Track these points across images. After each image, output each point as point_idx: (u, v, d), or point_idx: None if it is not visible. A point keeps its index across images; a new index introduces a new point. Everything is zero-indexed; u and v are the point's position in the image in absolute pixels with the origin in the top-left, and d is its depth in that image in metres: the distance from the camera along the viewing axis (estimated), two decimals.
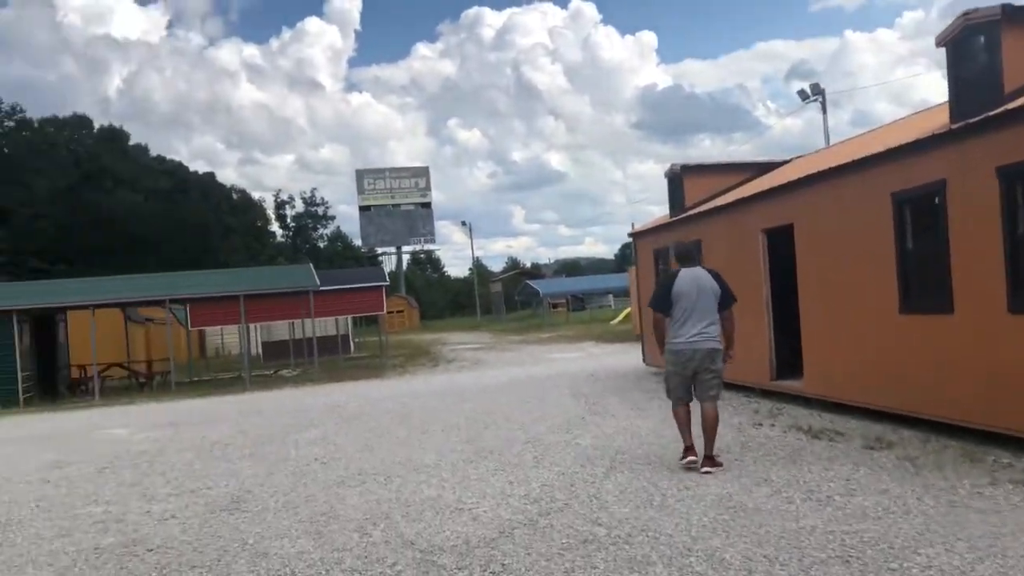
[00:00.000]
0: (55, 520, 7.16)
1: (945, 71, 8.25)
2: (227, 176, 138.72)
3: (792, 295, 10.81)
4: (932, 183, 7.87)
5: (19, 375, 19.95)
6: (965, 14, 7.72)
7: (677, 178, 15.09)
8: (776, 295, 11.30)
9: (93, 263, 47.45)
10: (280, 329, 30.59)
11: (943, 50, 8.22)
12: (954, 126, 7.64)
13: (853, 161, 9.12)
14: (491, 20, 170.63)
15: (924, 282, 8.29)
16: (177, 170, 73.54)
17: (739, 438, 8.62)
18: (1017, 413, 6.98)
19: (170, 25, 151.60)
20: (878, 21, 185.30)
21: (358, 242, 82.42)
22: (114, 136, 70.17)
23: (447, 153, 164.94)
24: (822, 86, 34.80)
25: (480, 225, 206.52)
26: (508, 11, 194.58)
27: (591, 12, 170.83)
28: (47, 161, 61.37)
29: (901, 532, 5.11)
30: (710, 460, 7.17)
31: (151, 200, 63.51)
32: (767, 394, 11.45)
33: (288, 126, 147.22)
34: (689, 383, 7.38)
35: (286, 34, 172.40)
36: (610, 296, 61.65)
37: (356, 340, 36.96)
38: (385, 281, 26.21)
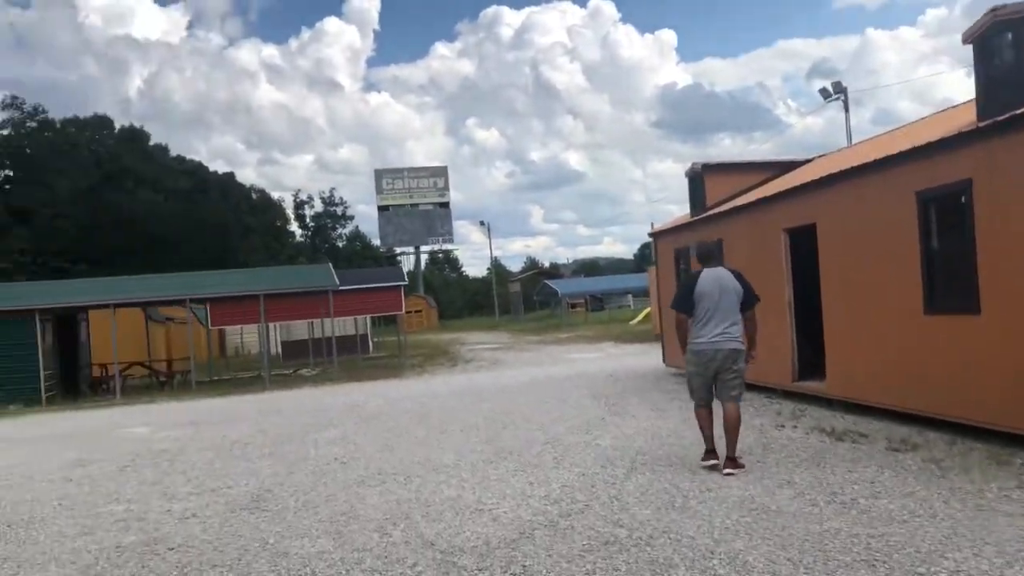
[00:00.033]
0: (77, 518, 7.19)
1: (970, 68, 8.15)
2: (247, 176, 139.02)
3: (814, 295, 10.71)
4: (958, 182, 7.76)
5: (42, 374, 20.14)
6: (993, 10, 7.61)
7: (698, 177, 15.00)
8: (797, 295, 11.21)
9: (114, 263, 47.83)
10: (299, 329, 30.71)
11: (968, 47, 8.11)
12: (981, 124, 7.53)
13: (877, 160, 9.02)
14: (510, 19, 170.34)
15: (950, 282, 8.19)
16: (197, 170, 74.00)
17: (761, 439, 8.54)
18: None
19: (190, 25, 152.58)
20: (901, 19, 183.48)
21: (377, 242, 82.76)
22: (135, 136, 70.69)
23: (465, 153, 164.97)
24: (844, 84, 34.53)
25: (498, 225, 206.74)
26: (527, 10, 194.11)
27: (610, 11, 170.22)
28: (69, 161, 61.88)
29: (928, 536, 5.03)
30: (732, 461, 7.11)
31: (171, 200, 63.90)
32: (789, 395, 11.36)
33: (307, 126, 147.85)
34: (711, 384, 7.32)
35: (305, 34, 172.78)
36: (629, 296, 61.42)
37: (375, 340, 37.04)
38: (404, 281, 26.25)
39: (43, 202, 57.80)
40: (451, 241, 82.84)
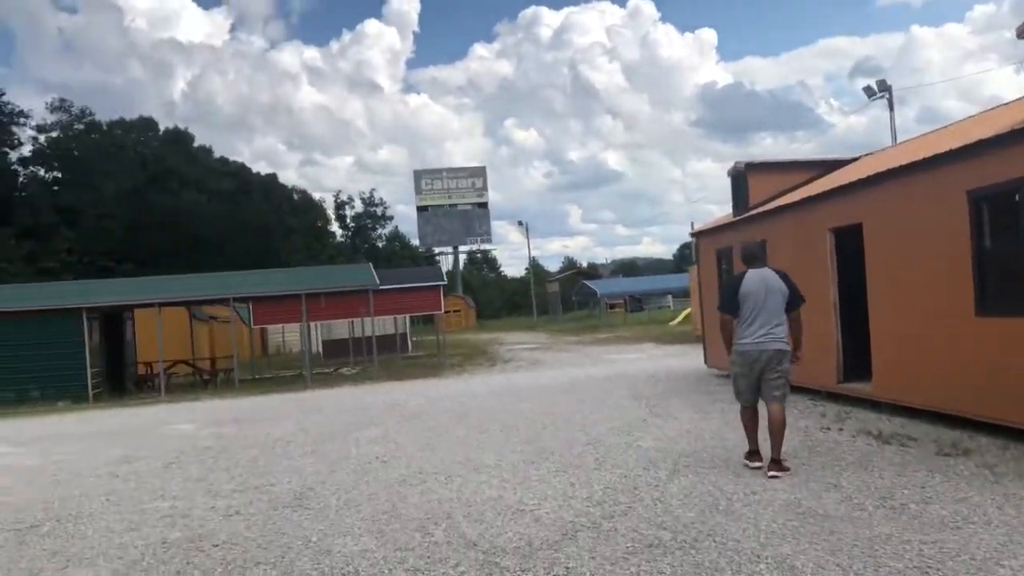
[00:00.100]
0: (124, 514, 7.29)
1: (1020, 65, 7.96)
2: (288, 177, 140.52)
3: (858, 296, 10.53)
4: (1012, 180, 7.56)
5: (88, 371, 20.50)
6: None
7: (741, 176, 14.83)
8: (842, 295, 11.03)
9: (159, 263, 48.58)
10: (340, 328, 30.94)
11: (1020, 43, 7.91)
12: None
13: (926, 158, 8.84)
14: (548, 20, 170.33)
15: (1002, 283, 7.99)
16: (240, 171, 75.00)
17: (806, 442, 8.41)
18: None
19: (233, 28, 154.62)
20: (947, 16, 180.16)
21: (416, 242, 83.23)
22: (179, 138, 71.80)
23: (504, 153, 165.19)
24: (888, 82, 33.97)
25: (536, 225, 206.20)
26: (566, 10, 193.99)
27: (650, 10, 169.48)
28: (115, 163, 63.02)
29: (983, 543, 4.91)
30: (777, 464, 7.01)
31: (215, 201, 64.80)
32: (833, 397, 11.18)
33: (347, 128, 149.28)
34: (756, 385, 7.23)
35: (346, 36, 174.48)
36: (669, 297, 61.01)
37: (413, 339, 37.19)
38: (443, 281, 26.29)
39: (90, 203, 58.91)
40: (489, 241, 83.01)
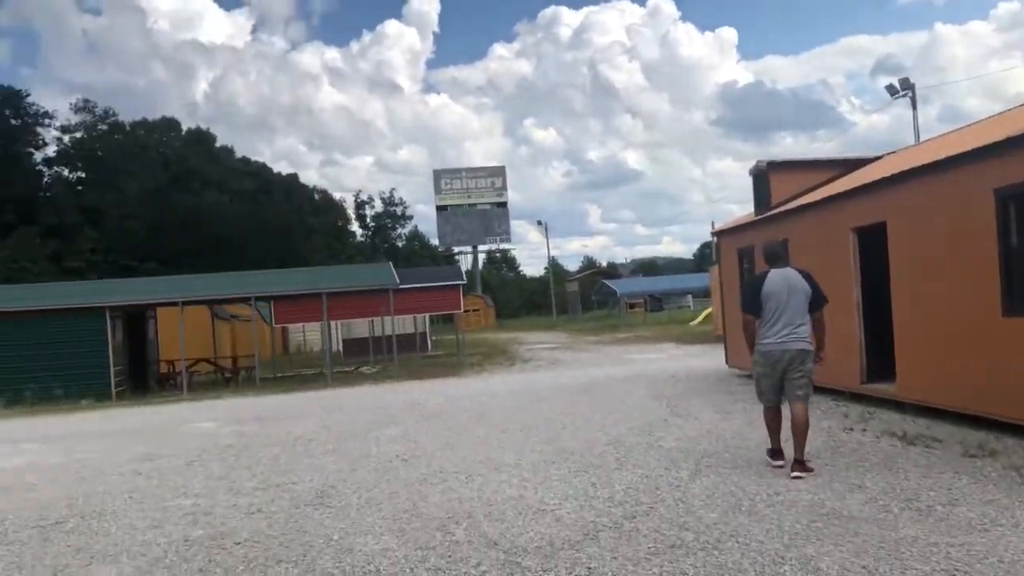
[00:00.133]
0: (147, 511, 7.33)
1: None
2: (309, 177, 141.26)
3: (880, 295, 10.43)
4: None
5: (111, 370, 20.67)
6: None
7: (763, 175, 14.72)
8: (864, 295, 10.93)
9: (181, 263, 48.94)
10: (360, 327, 31.03)
11: None
12: None
13: (951, 156, 8.74)
14: (568, 19, 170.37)
15: None
16: (261, 171, 75.44)
17: (829, 442, 8.34)
18: None
19: (254, 30, 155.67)
20: (971, 13, 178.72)
21: (435, 241, 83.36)
22: (201, 138, 72.30)
23: (523, 153, 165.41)
24: (911, 80, 33.67)
25: (556, 224, 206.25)
26: (585, 10, 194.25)
27: (670, 9, 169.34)
28: (138, 164, 63.55)
29: (1011, 546, 4.84)
30: (800, 464, 6.95)
31: (236, 201, 65.19)
32: (856, 397, 11.08)
33: (368, 128, 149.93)
34: (779, 385, 7.18)
35: (366, 37, 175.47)
36: (689, 297, 60.82)
37: (433, 338, 37.24)
38: (462, 280, 26.32)
39: (113, 203, 59.45)
40: (508, 241, 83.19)
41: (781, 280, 7.14)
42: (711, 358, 18.74)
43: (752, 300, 7.27)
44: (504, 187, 79.35)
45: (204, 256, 53.17)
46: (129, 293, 23.57)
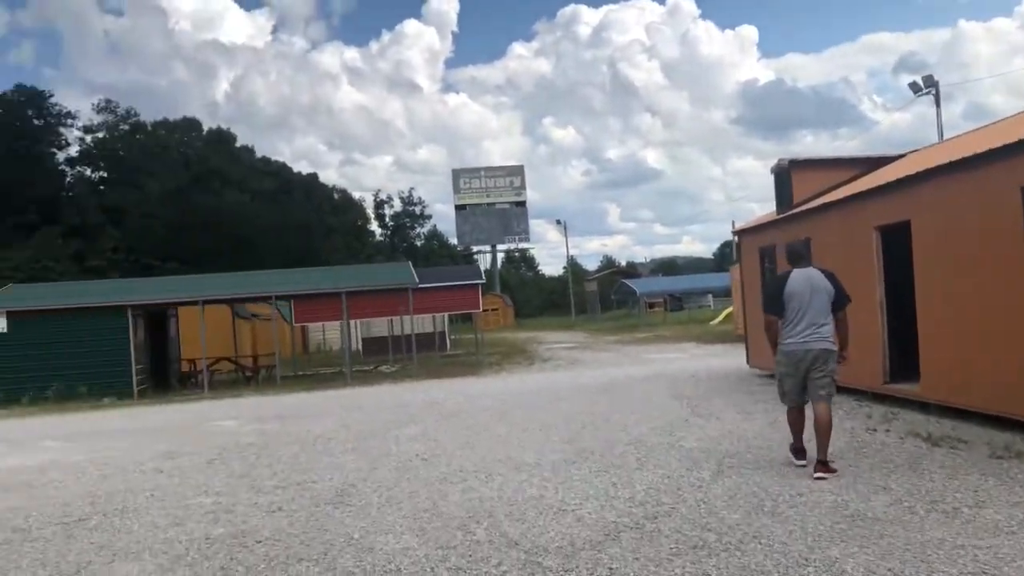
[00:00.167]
0: (168, 509, 7.36)
1: None
2: (329, 177, 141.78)
3: (903, 294, 10.32)
4: None
5: (133, 368, 20.82)
6: None
7: (784, 173, 14.60)
8: (887, 294, 10.82)
9: (202, 263, 49.26)
10: (379, 326, 31.10)
11: None
12: None
13: (978, 154, 8.62)
14: (587, 18, 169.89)
15: None
16: (281, 171, 75.84)
17: (852, 443, 8.26)
18: None
19: (274, 30, 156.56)
20: (995, 9, 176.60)
21: (454, 240, 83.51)
22: (222, 138, 72.78)
23: (542, 152, 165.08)
24: (935, 78, 33.34)
25: (575, 224, 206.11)
26: (605, 8, 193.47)
27: (689, 7, 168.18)
28: (159, 163, 64.06)
29: None
30: (823, 465, 6.88)
31: (257, 201, 65.58)
32: (878, 398, 10.97)
33: (387, 127, 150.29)
34: (802, 385, 7.12)
35: (385, 37, 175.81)
36: (709, 296, 60.49)
37: (452, 337, 37.27)
38: (481, 279, 26.31)
39: (135, 202, 59.94)
40: (527, 240, 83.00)
41: (804, 280, 7.09)
42: (732, 358, 18.64)
43: (774, 301, 7.22)
44: (523, 186, 79.35)
45: (225, 255, 53.52)
46: (151, 292, 23.75)
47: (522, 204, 79.21)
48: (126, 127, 69.07)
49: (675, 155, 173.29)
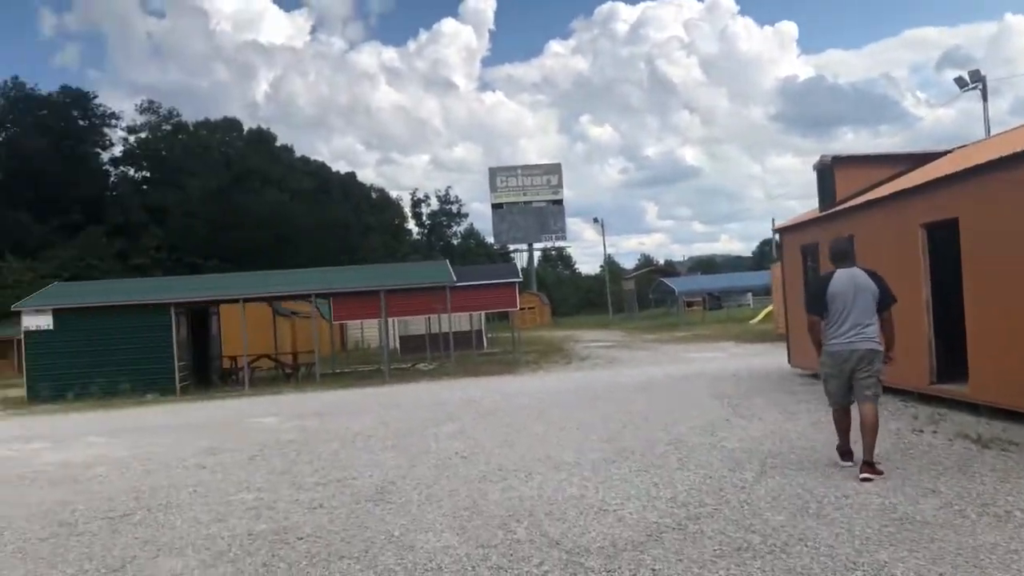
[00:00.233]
0: (211, 505, 7.42)
1: None
2: (367, 176, 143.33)
3: (950, 293, 10.10)
4: None
5: (176, 364, 21.09)
6: None
7: (827, 170, 14.38)
8: (933, 293, 10.61)
9: (242, 261, 49.87)
10: (416, 324, 31.22)
11: None
12: None
13: None
14: (625, 15, 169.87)
15: None
16: (320, 170, 76.53)
17: (899, 445, 8.10)
18: None
19: (313, 30, 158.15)
20: None
21: (490, 239, 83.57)
22: (262, 138, 73.62)
23: (579, 150, 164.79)
24: (982, 72, 32.68)
25: (612, 222, 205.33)
26: (642, 5, 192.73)
27: (728, 3, 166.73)
28: (201, 163, 64.94)
29: None
30: (869, 467, 6.75)
31: (296, 200, 66.21)
32: (924, 398, 10.76)
33: (424, 126, 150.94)
34: (848, 385, 7.00)
35: (423, 36, 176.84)
36: (749, 295, 59.94)
37: (489, 336, 37.30)
38: (518, 278, 26.33)
39: (177, 202, 60.86)
40: (564, 238, 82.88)
41: (847, 280, 6.96)
42: (772, 357, 18.41)
43: (817, 301, 7.11)
44: (560, 184, 79.23)
45: (264, 254, 54.17)
46: (193, 290, 24.05)
47: (559, 202, 79.11)
48: (168, 127, 70.15)
49: (714, 152, 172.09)
